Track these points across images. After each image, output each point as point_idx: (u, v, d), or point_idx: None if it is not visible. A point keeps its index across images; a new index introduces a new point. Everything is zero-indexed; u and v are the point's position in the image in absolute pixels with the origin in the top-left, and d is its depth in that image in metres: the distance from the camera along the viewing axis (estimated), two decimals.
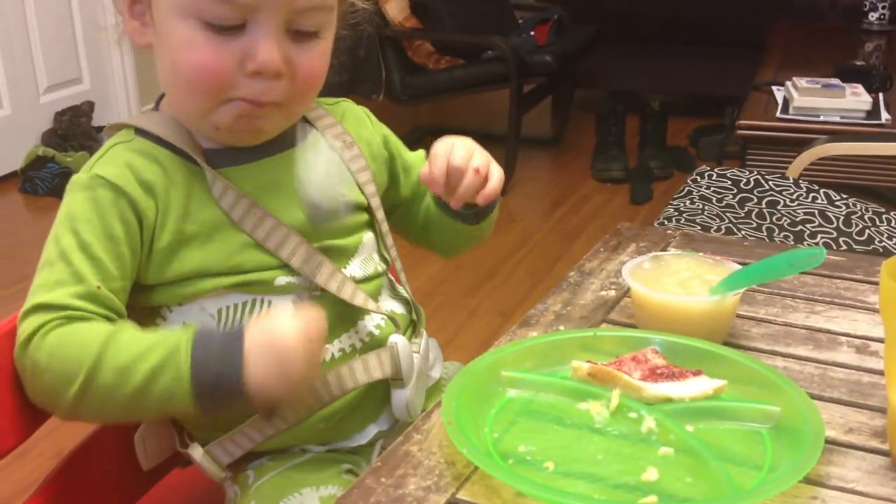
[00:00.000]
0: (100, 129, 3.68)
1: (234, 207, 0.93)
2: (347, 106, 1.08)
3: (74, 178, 0.92)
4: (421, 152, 1.11)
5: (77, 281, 0.87)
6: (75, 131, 3.69)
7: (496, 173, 1.00)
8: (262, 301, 0.94)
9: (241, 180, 0.94)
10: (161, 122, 0.96)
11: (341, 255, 0.99)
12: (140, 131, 0.96)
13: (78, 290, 0.87)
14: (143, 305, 0.94)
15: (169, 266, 0.92)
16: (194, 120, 0.94)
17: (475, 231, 1.08)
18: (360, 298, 0.97)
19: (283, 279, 0.95)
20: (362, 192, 1.03)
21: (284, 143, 0.98)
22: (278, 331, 0.82)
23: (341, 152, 1.02)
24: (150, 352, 0.83)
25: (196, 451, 0.99)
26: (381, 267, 1.04)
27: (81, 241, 0.88)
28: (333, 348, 0.97)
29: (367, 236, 1.03)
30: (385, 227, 1.05)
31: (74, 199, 0.90)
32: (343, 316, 0.98)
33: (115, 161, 0.92)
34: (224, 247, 0.93)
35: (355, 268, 1.00)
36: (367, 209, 1.03)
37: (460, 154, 0.97)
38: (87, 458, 1.02)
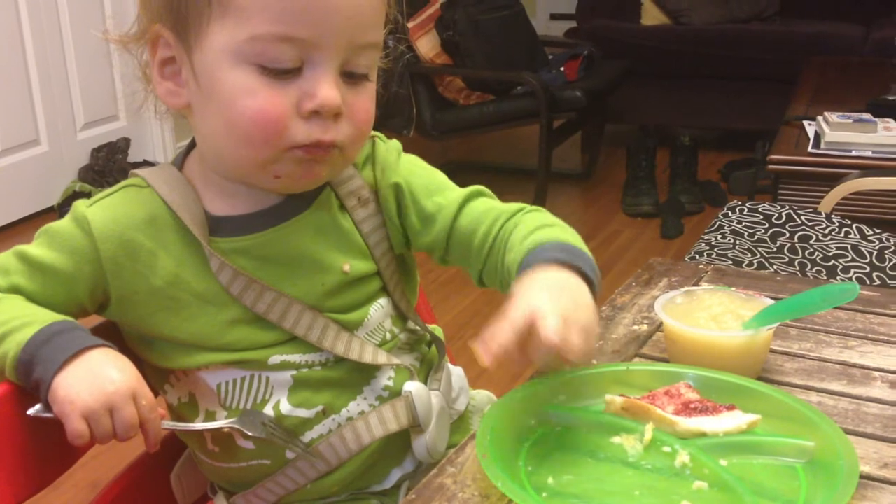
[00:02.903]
0: (135, 164, 3.74)
1: (232, 283, 0.91)
2: (376, 147, 1.00)
3: (78, 202, 0.94)
4: (456, 195, 0.99)
5: (3, 275, 0.92)
6: (111, 167, 3.75)
7: (579, 340, 0.81)
8: (260, 377, 0.94)
9: (244, 251, 0.93)
10: (172, 182, 0.94)
11: (344, 330, 0.95)
12: None
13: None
14: (154, 365, 0.96)
15: (153, 323, 0.93)
16: (250, 172, 0.90)
17: None
18: (368, 353, 0.95)
19: (276, 358, 0.93)
20: (372, 257, 0.98)
21: (295, 207, 0.94)
22: (116, 369, 0.85)
23: (353, 212, 0.97)
24: (13, 319, 0.87)
25: (220, 503, 1.01)
26: (390, 335, 0.99)
27: (36, 255, 0.92)
28: (348, 412, 0.96)
29: (376, 307, 0.98)
30: (399, 289, 1.01)
31: (64, 219, 0.94)
32: (354, 380, 0.97)
33: (114, 208, 0.93)
34: (216, 321, 0.92)
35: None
36: (378, 274, 0.98)
37: (550, 328, 0.79)
38: (122, 492, 1.03)
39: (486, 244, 0.95)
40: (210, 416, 0.95)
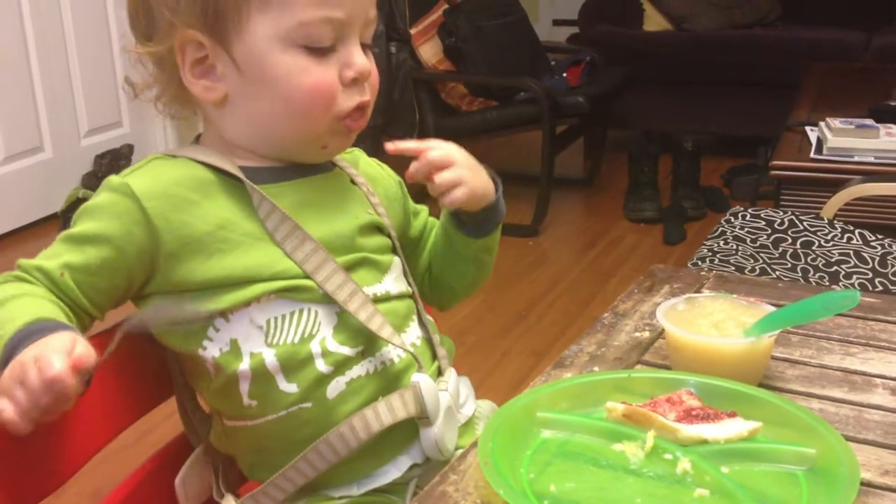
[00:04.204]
0: None
1: (277, 228, 0.97)
2: (360, 154, 1.13)
3: (108, 178, 0.97)
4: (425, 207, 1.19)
5: (52, 258, 0.94)
6: (115, 174, 3.76)
7: (460, 190, 1.03)
8: (309, 311, 0.97)
9: (281, 196, 0.99)
10: (200, 150, 1.01)
11: (377, 269, 1.04)
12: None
13: (45, 264, 0.94)
14: (197, 315, 0.96)
15: (207, 269, 0.95)
16: (302, 144, 1.00)
17: (477, 252, 1.12)
18: (387, 332, 0.99)
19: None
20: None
21: (318, 168, 1.05)
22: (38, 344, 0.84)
23: (367, 195, 1.08)
24: (4, 323, 0.88)
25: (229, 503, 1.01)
26: (410, 290, 1.08)
27: (80, 230, 0.95)
28: (381, 356, 1.00)
29: (396, 260, 1.08)
30: (404, 261, 1.10)
31: (99, 195, 0.97)
32: (368, 339, 1.00)
33: (149, 173, 0.98)
34: (267, 254, 0.97)
35: (389, 283, 1.04)
36: (390, 237, 1.08)
37: (437, 155, 1.03)
38: (126, 500, 1.03)
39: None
40: (256, 359, 0.96)
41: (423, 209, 1.18)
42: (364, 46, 1.00)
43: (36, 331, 0.86)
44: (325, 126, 0.98)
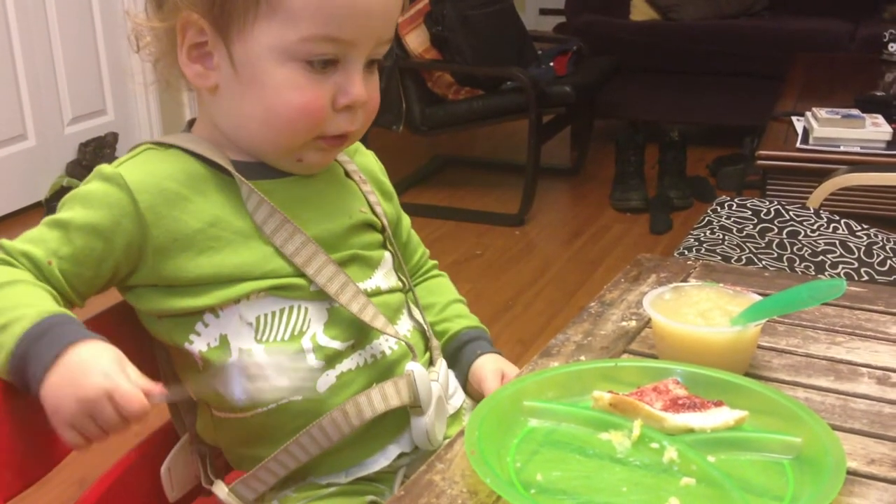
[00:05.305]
0: None
1: (266, 221, 0.96)
2: (357, 145, 1.11)
3: (100, 167, 0.96)
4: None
5: (40, 244, 0.92)
6: (99, 162, 3.67)
7: None
8: (300, 308, 0.97)
9: (274, 192, 0.98)
10: (192, 140, 0.99)
11: (367, 266, 1.03)
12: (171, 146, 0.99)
13: (32, 250, 0.92)
14: (185, 312, 0.96)
15: (197, 265, 0.94)
16: (278, 154, 0.98)
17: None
18: (380, 322, 0.99)
19: (316, 284, 0.98)
20: (376, 216, 1.07)
21: None
22: (92, 370, 0.83)
23: (359, 184, 1.08)
24: (5, 311, 0.87)
25: (220, 489, 1.01)
26: (400, 284, 1.08)
27: (69, 217, 0.93)
28: (372, 349, 1.00)
29: (386, 255, 1.07)
30: (399, 253, 1.09)
31: (91, 183, 0.95)
32: (359, 332, 1.00)
33: (143, 165, 0.96)
34: (257, 253, 0.96)
35: (379, 278, 1.04)
36: (382, 231, 1.07)
37: None
38: (110, 489, 1.02)
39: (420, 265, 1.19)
40: (246, 355, 0.96)
41: (406, 217, 1.17)
42: (370, 63, 0.97)
43: (49, 326, 0.86)
44: (302, 141, 0.96)
